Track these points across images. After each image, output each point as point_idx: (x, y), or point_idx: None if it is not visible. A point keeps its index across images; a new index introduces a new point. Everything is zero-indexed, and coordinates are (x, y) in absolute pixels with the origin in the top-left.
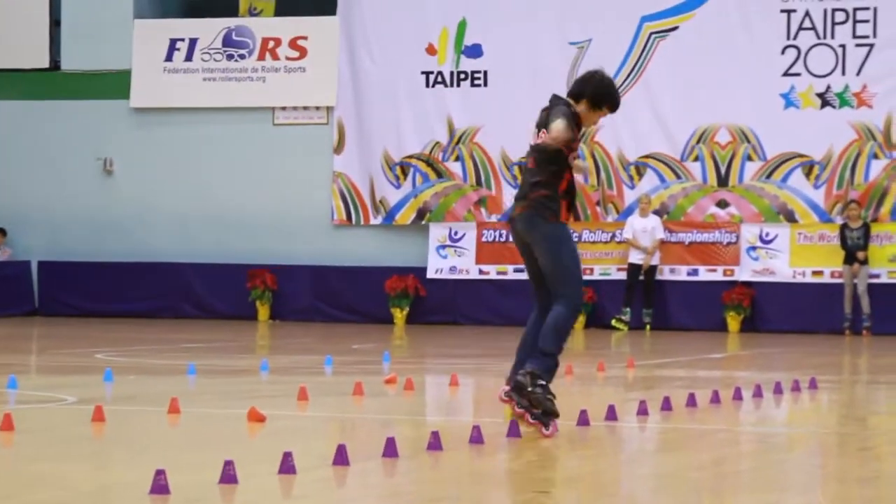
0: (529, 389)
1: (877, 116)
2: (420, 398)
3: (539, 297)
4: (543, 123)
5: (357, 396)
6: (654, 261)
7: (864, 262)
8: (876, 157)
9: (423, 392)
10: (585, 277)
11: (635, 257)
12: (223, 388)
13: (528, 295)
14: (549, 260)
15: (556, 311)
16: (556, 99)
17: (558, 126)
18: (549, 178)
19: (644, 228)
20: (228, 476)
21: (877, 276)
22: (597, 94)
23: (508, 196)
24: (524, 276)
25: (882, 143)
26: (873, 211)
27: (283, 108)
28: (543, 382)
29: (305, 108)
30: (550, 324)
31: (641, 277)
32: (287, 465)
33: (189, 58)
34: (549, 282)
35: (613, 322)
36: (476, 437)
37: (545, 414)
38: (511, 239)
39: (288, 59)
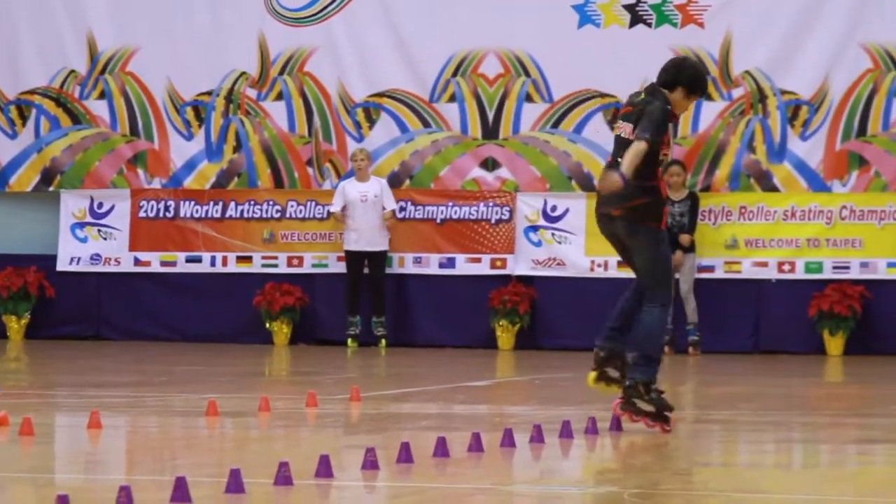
0: (647, 398)
1: (710, 40)
2: (44, 447)
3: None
4: (637, 120)
5: None
6: (382, 245)
7: (690, 248)
8: (709, 97)
9: (49, 438)
10: (292, 270)
11: (353, 242)
12: None
13: (206, 295)
14: (645, 259)
15: (649, 312)
16: (654, 91)
17: (628, 161)
18: (645, 181)
19: (363, 197)
20: None
21: (708, 269)
22: (693, 81)
23: (177, 149)
24: (198, 267)
25: (718, 77)
26: (704, 176)
27: None
28: (658, 388)
29: None
30: (646, 328)
31: (367, 270)
32: None
33: None
34: (642, 279)
35: (349, 340)
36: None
37: (662, 414)
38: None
39: None
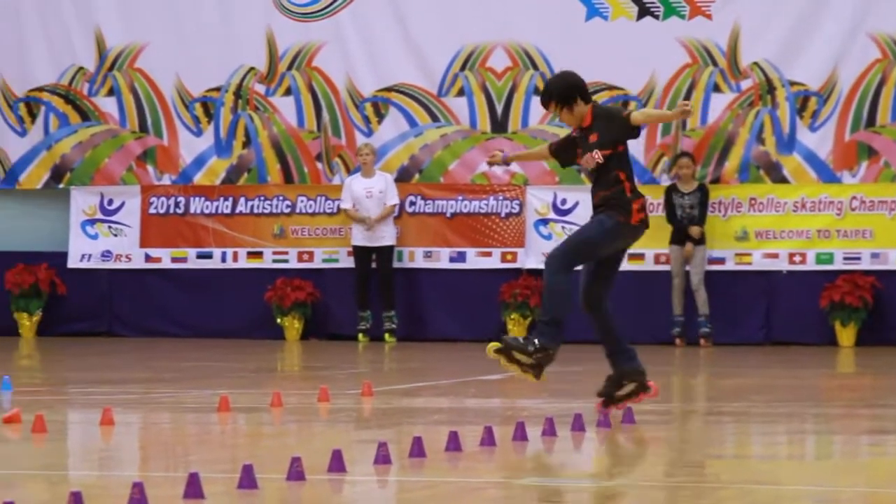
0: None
1: (719, 32)
2: (57, 444)
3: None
4: None
5: None
6: (388, 240)
7: (700, 241)
8: (718, 89)
9: (61, 435)
10: (302, 265)
11: (360, 237)
12: None
13: (217, 291)
14: None
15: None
16: None
17: None
18: None
19: (368, 193)
20: None
21: (719, 261)
22: None
23: (186, 145)
24: (208, 263)
25: (726, 69)
26: (713, 168)
27: None
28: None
29: None
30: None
31: (374, 265)
32: None
33: None
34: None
35: (360, 335)
36: (138, 500)
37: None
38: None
39: None
